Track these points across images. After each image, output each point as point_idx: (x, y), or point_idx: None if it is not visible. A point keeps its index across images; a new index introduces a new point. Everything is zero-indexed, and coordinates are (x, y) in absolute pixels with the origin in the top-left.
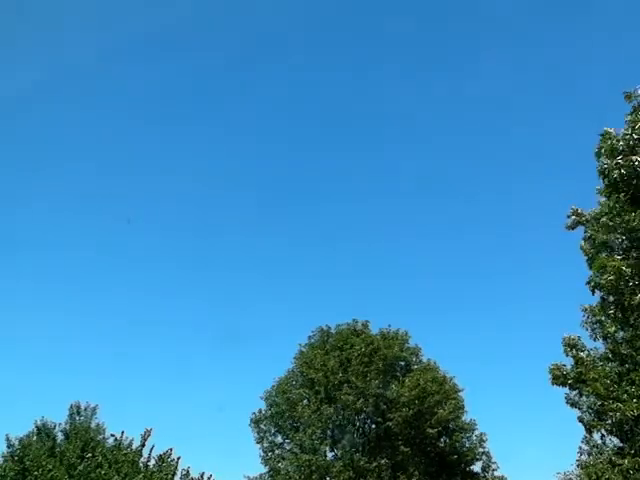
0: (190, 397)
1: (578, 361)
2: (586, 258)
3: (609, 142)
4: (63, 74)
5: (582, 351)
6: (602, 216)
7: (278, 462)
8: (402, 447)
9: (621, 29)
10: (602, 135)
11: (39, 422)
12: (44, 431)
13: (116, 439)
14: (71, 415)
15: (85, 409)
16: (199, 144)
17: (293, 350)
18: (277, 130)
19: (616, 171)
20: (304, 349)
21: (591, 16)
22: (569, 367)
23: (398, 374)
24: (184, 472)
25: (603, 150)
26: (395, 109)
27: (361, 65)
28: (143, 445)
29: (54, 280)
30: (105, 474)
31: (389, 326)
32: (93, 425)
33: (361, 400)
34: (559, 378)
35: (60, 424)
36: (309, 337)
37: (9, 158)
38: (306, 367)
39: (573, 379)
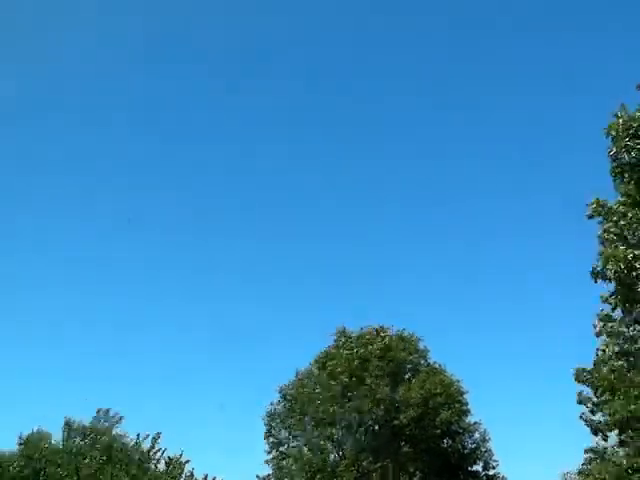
0: (195, 398)
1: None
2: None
3: (620, 122)
4: (63, 75)
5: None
6: (619, 207)
7: (283, 459)
8: (406, 448)
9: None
10: (616, 115)
11: (65, 421)
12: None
13: (125, 442)
14: (96, 418)
15: (112, 416)
16: (200, 144)
17: (298, 351)
18: (283, 128)
19: (625, 154)
20: (325, 349)
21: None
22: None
23: (406, 375)
24: (188, 474)
25: (613, 131)
26: (409, 117)
27: None
28: (152, 447)
29: (55, 281)
30: (115, 475)
31: (403, 329)
32: (114, 432)
33: (372, 403)
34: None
35: (73, 424)
36: (335, 334)
37: (9, 158)
38: (324, 368)
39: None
